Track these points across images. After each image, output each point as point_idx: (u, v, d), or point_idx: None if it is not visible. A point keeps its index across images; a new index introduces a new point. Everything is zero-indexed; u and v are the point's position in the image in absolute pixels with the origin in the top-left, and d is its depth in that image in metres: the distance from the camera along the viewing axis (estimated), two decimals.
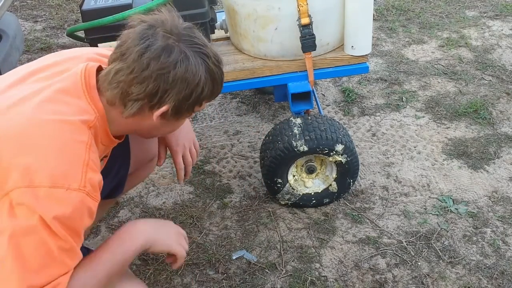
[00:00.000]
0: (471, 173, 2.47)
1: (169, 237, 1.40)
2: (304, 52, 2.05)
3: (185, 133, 1.68)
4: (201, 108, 1.34)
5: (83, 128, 1.21)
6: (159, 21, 1.25)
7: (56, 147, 1.15)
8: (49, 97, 1.21)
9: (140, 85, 1.21)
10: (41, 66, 1.33)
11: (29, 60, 1.49)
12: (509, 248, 2.08)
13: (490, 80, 3.13)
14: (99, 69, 1.31)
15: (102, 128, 1.28)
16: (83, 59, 1.35)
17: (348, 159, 2.14)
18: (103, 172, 1.50)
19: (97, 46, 2.03)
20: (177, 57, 1.21)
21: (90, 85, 1.26)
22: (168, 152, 1.71)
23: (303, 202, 2.27)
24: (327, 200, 2.29)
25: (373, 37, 3.47)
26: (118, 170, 1.70)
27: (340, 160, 2.14)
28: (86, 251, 1.38)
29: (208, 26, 2.06)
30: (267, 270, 2.04)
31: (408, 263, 2.04)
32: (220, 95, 3.10)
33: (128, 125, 1.32)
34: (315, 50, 2.05)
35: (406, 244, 2.12)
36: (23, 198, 1.10)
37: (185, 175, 1.73)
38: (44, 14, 4.29)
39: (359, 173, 2.32)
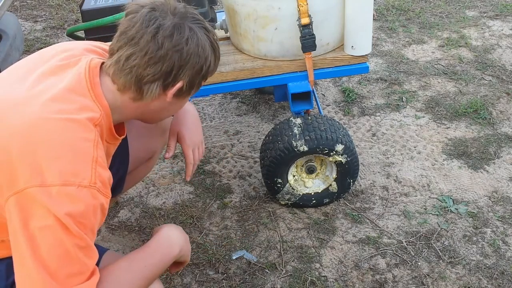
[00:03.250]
0: (471, 173, 2.47)
1: (189, 247, 1.43)
2: (304, 52, 2.05)
3: (197, 133, 1.71)
4: (204, 82, 1.39)
5: (89, 126, 1.22)
6: (159, 3, 1.28)
7: (65, 146, 1.15)
8: (55, 96, 1.21)
9: (155, 65, 1.24)
10: (44, 59, 1.33)
11: None
12: (509, 248, 2.08)
13: (490, 80, 3.13)
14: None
15: (106, 125, 1.29)
16: (81, 50, 1.37)
17: (348, 159, 2.14)
18: None
19: None
20: (187, 33, 1.26)
21: (94, 83, 1.27)
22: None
23: (303, 202, 2.27)
24: (327, 200, 2.29)
25: (373, 37, 3.48)
26: (117, 169, 1.70)
27: (340, 160, 2.14)
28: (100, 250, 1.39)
29: None
30: (267, 270, 2.04)
31: (408, 263, 2.04)
32: (220, 95, 3.11)
33: (136, 110, 1.34)
34: (315, 50, 2.05)
35: (406, 244, 2.12)
36: (38, 197, 1.10)
37: (187, 175, 1.74)
38: (44, 14, 4.29)
39: (359, 173, 2.32)
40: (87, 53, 1.36)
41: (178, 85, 1.29)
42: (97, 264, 1.29)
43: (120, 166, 1.71)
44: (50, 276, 1.10)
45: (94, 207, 1.16)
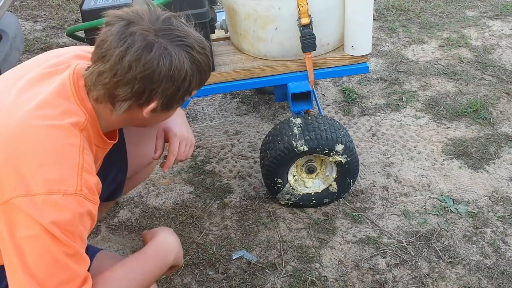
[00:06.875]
0: (471, 173, 2.47)
1: (182, 252, 1.43)
2: (304, 52, 2.05)
3: (186, 130, 1.66)
4: (192, 95, 1.32)
5: (74, 132, 1.19)
6: (136, 16, 1.20)
7: (49, 153, 1.14)
8: (40, 102, 1.20)
9: (125, 86, 1.19)
10: (36, 65, 1.32)
11: None
12: (509, 248, 2.08)
13: (490, 80, 3.13)
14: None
15: (93, 129, 1.27)
16: (71, 56, 1.35)
17: (348, 159, 2.14)
18: (100, 177, 1.51)
19: None
20: (159, 54, 1.17)
21: (78, 87, 1.24)
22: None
23: (303, 202, 2.27)
24: (327, 200, 2.29)
25: (373, 37, 3.47)
26: (115, 175, 1.69)
27: (340, 160, 2.14)
28: (93, 250, 1.39)
29: (208, 26, 2.06)
30: (267, 270, 2.04)
31: (408, 263, 2.04)
32: (220, 95, 3.11)
33: (120, 121, 1.31)
34: (315, 50, 2.05)
35: (406, 244, 2.12)
36: (23, 207, 1.09)
37: (165, 165, 1.63)
38: (44, 14, 4.29)
39: (359, 173, 2.31)
40: (76, 59, 1.33)
41: (152, 105, 1.23)
42: (90, 265, 1.28)
43: (119, 172, 1.70)
44: (39, 285, 1.09)
45: (81, 215, 1.14)
